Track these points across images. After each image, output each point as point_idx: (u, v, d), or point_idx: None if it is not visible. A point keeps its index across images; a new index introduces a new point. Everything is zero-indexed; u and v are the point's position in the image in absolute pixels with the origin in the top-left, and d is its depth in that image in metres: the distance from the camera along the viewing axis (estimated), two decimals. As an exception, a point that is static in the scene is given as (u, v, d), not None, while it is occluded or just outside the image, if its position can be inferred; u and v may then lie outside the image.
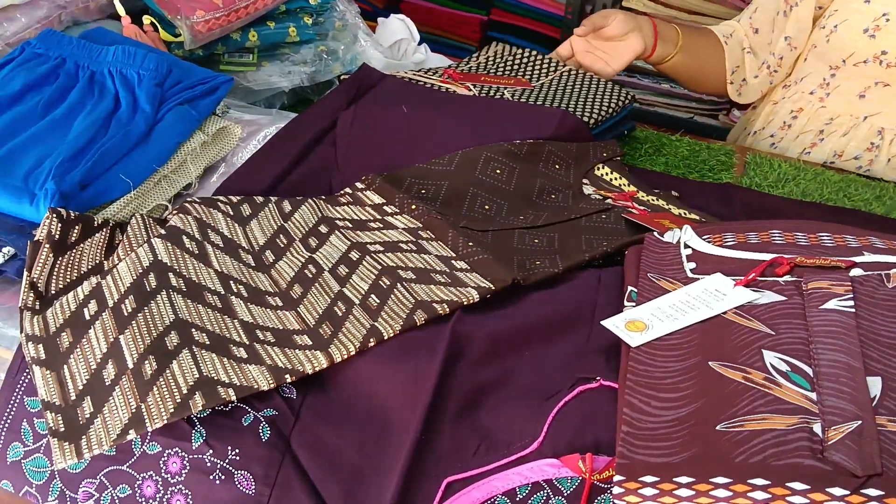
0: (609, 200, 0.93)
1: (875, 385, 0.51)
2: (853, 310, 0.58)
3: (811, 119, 1.24)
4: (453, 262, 0.74)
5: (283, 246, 0.75)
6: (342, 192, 0.85)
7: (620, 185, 0.98)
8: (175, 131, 0.84)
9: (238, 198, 0.79)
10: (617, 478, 0.47)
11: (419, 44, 1.36)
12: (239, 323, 0.65)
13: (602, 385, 0.58)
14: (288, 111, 1.09)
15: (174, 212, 0.75)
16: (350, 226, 0.80)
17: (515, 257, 0.77)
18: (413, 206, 0.81)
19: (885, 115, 1.18)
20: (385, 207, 0.82)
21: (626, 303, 0.67)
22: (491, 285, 0.70)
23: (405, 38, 1.33)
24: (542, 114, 1.02)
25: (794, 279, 0.63)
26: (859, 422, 0.47)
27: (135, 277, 0.66)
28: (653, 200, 0.95)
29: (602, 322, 0.63)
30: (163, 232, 0.71)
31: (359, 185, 0.86)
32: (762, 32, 1.25)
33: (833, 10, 1.18)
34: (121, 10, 1.01)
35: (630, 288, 0.69)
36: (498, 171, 0.91)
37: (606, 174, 0.99)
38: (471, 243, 0.75)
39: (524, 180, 0.92)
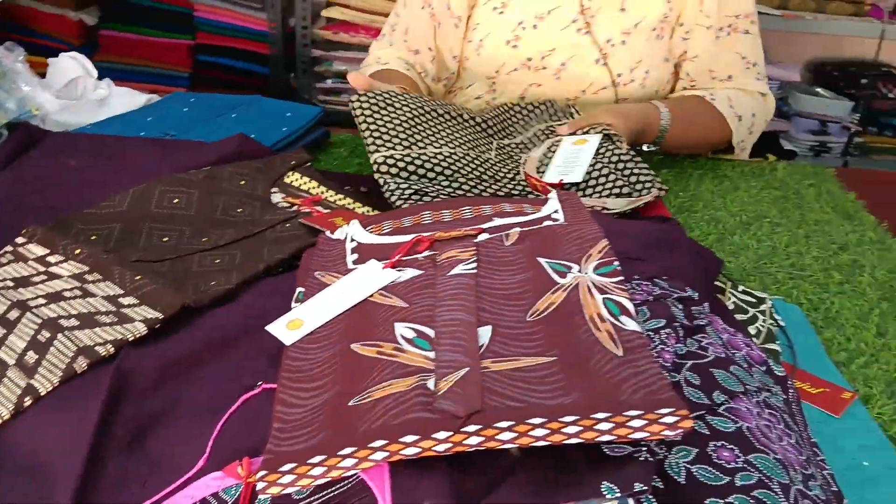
0: (296, 208, 0.95)
1: (485, 334, 0.57)
2: (475, 271, 0.64)
3: None
4: (120, 299, 0.72)
5: (-74, 320, 0.70)
6: (1, 251, 0.80)
7: (309, 189, 1.01)
8: None
9: None
10: (260, 473, 0.49)
11: (100, 79, 1.31)
12: None
13: (264, 389, 0.60)
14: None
15: None
16: (11, 285, 0.75)
17: (192, 281, 0.77)
18: (77, 251, 0.78)
19: None
20: (48, 258, 0.79)
21: (293, 304, 0.70)
22: (160, 314, 0.69)
23: (81, 75, 1.27)
24: (221, 143, 1.02)
25: (431, 253, 0.69)
26: (466, 369, 0.53)
27: None
28: (339, 200, 0.99)
29: (266, 327, 0.65)
30: None
31: (19, 239, 0.81)
32: (422, 52, 1.32)
33: (476, 24, 1.27)
34: None
35: (298, 289, 0.71)
36: (176, 201, 0.90)
37: (296, 181, 1.02)
38: (138, 277, 0.74)
39: (206, 202, 0.92)
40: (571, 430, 0.48)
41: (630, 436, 0.48)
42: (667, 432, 0.48)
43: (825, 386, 0.73)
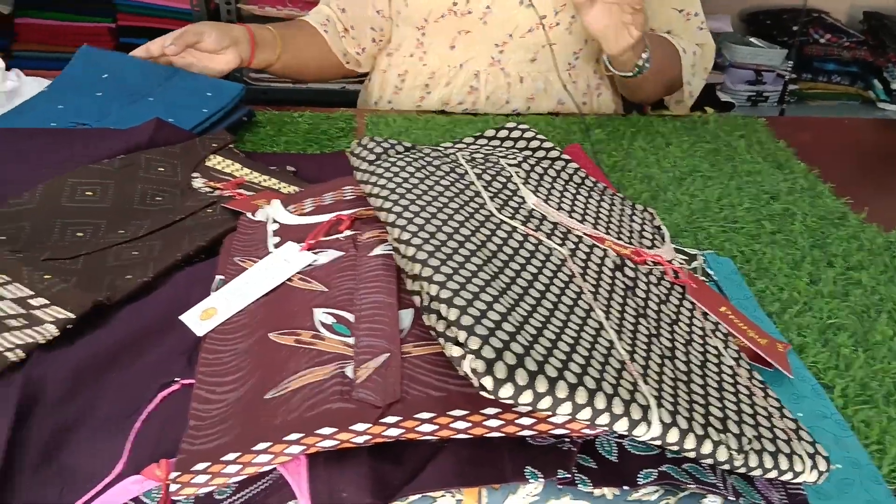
0: (218, 192, 0.92)
1: (407, 317, 0.55)
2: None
3: (416, 77, 1.33)
4: (30, 300, 0.69)
5: None
6: None
7: (232, 171, 0.98)
8: None
9: None
10: (173, 474, 0.47)
11: (7, 69, 1.24)
12: None
13: (182, 385, 0.58)
14: None
15: None
16: (-88, 292, 0.71)
17: (108, 277, 0.74)
18: (-17, 253, 0.74)
19: (476, 59, 1.29)
20: (-47, 262, 0.74)
21: (212, 292, 0.67)
22: (71, 314, 0.66)
23: (-12, 67, 1.20)
24: (135, 130, 0.98)
25: (352, 233, 0.67)
26: (387, 354, 0.51)
27: None
28: (264, 182, 0.96)
29: (180, 317, 0.62)
30: None
31: (-79, 244, 0.77)
32: (349, 9, 1.31)
33: None
34: None
35: (218, 277, 0.69)
36: (89, 193, 0.86)
37: (218, 164, 0.98)
38: (47, 276, 0.70)
39: (122, 192, 0.88)
40: (493, 423, 0.47)
41: (551, 431, 0.47)
42: (587, 430, 0.47)
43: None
